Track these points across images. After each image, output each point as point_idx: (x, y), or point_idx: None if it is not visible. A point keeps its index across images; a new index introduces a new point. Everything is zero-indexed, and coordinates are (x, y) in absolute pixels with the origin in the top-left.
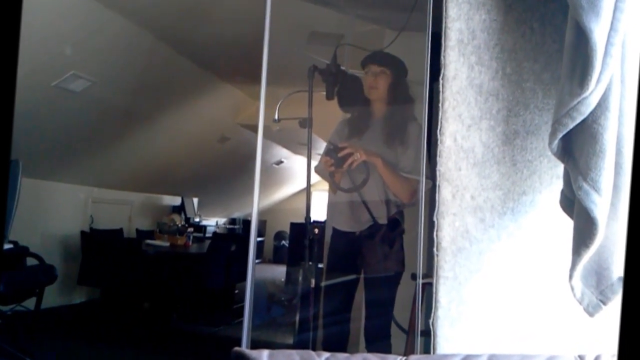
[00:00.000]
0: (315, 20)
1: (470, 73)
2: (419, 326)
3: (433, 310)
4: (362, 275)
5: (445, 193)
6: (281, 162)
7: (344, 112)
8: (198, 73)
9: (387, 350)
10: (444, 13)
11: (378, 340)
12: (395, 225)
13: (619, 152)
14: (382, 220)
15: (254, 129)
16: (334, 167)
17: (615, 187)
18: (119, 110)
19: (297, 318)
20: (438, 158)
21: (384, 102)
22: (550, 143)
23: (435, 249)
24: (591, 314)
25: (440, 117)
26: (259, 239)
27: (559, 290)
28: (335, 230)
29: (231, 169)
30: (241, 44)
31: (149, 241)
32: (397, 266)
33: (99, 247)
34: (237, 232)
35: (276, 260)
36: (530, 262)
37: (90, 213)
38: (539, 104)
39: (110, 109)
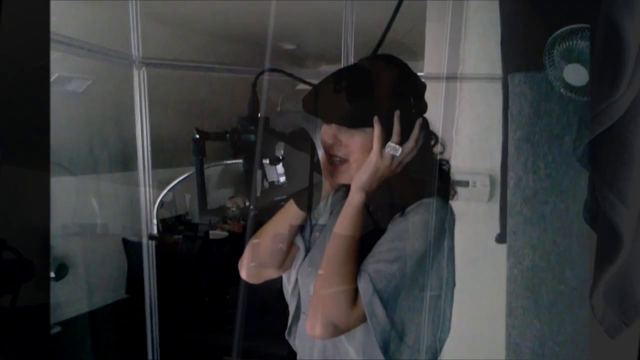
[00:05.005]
0: (322, 8)
1: (492, 70)
2: (425, 342)
3: (440, 326)
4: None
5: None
6: (282, 158)
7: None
8: None
9: None
10: (465, 4)
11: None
12: None
13: None
14: (385, 225)
15: None
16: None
17: None
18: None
19: None
20: (453, 160)
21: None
22: (575, 149)
23: (445, 259)
24: (612, 335)
25: (456, 116)
26: (255, 240)
27: (579, 308)
28: None
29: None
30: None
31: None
32: None
33: None
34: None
35: None
36: (549, 277)
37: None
38: None
39: None
